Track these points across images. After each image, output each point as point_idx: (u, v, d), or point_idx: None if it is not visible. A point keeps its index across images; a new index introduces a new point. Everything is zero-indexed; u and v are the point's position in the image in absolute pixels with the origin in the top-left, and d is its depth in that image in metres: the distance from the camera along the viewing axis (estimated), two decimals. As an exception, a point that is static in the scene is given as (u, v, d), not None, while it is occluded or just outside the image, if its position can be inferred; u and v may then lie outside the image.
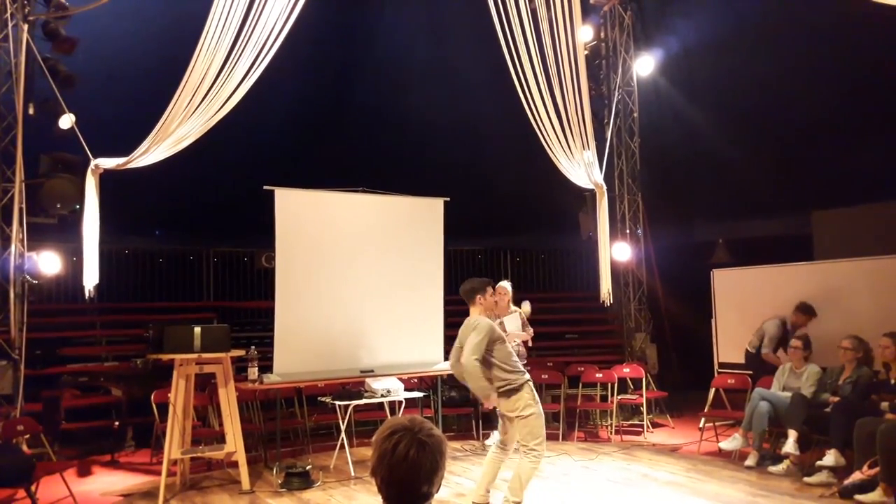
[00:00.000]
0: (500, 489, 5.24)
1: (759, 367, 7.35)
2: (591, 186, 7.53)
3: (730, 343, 8.21)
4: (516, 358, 5.16)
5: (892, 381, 5.80)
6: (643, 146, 9.87)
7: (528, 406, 4.95)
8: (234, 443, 6.01)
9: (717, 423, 7.64)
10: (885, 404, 5.68)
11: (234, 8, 5.84)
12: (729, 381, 7.40)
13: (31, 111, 6.48)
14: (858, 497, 5.19)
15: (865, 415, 5.57)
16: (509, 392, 4.99)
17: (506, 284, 7.65)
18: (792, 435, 6.04)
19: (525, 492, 4.93)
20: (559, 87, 6.85)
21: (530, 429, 4.94)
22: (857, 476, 5.30)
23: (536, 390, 8.30)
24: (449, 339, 7.68)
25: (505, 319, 7.38)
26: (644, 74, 9.81)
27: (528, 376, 5.09)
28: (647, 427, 8.22)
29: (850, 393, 6.01)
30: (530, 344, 7.82)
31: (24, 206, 6.38)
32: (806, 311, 7.11)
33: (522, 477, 4.90)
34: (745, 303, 8.20)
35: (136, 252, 10.34)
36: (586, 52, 8.30)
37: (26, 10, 6.44)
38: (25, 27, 6.40)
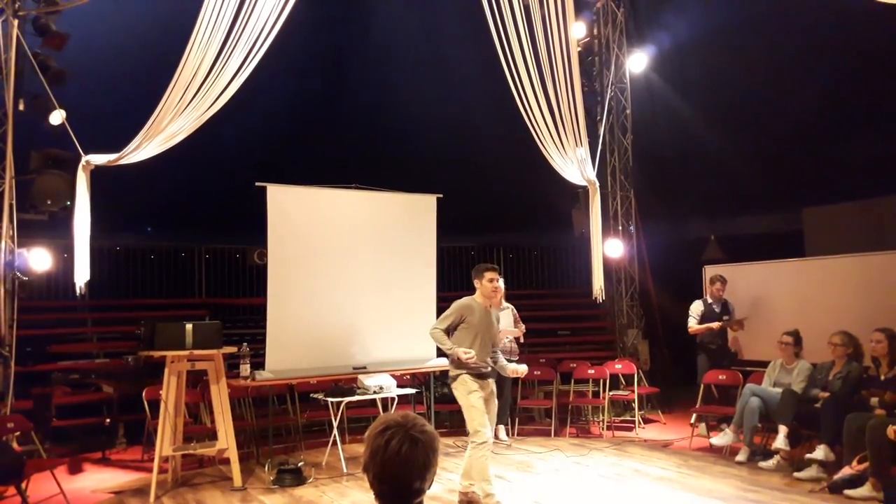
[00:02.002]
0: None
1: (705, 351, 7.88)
2: (583, 183, 7.54)
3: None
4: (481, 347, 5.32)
5: (882, 377, 5.84)
6: (636, 143, 9.88)
7: (461, 397, 5.29)
8: (226, 439, 6.00)
9: (708, 419, 7.68)
10: (874, 400, 5.71)
11: (226, 3, 5.81)
12: (720, 376, 7.43)
13: (21, 107, 6.43)
14: (848, 492, 5.22)
15: (855, 410, 5.61)
16: (452, 378, 5.37)
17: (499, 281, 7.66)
18: (782, 430, 6.08)
19: (486, 477, 5.13)
20: (552, 84, 6.85)
21: (466, 419, 5.27)
22: (846, 471, 5.34)
23: (529, 386, 8.39)
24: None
25: (498, 315, 7.40)
26: (637, 71, 9.82)
27: (466, 369, 5.28)
28: (639, 423, 8.25)
29: (840, 388, 6.05)
30: (522, 340, 7.84)
31: (14, 202, 6.34)
32: (717, 280, 7.89)
33: (472, 464, 5.15)
34: (737, 299, 8.24)
35: (128, 249, 10.30)
36: (579, 48, 8.31)
37: (16, 6, 6.39)
38: (16, 22, 6.35)
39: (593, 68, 9.86)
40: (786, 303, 7.69)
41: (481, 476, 5.13)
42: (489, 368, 5.44)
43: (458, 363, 5.29)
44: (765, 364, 7.04)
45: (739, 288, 8.29)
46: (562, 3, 6.62)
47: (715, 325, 7.82)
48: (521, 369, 5.65)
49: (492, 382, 5.48)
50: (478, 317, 5.38)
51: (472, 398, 5.24)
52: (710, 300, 7.97)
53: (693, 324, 7.93)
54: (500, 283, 7.59)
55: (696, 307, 7.97)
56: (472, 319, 5.36)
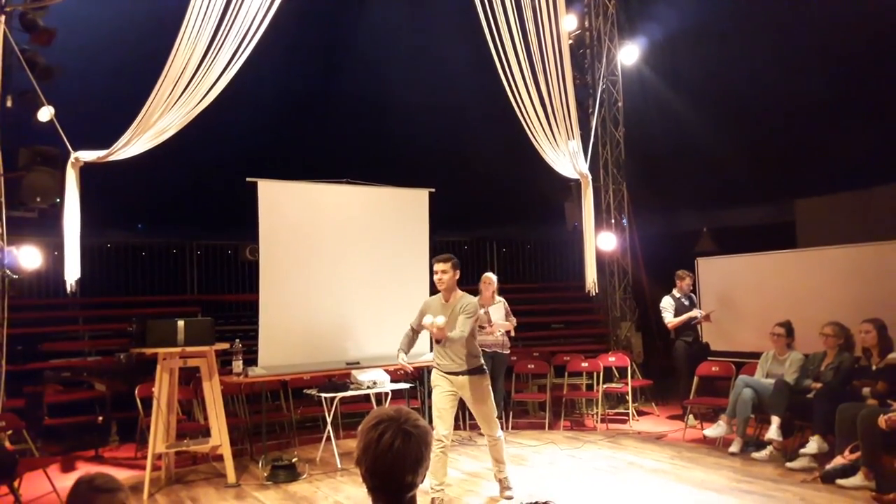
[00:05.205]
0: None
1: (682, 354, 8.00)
2: (576, 176, 7.53)
3: (714, 331, 8.28)
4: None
5: (873, 367, 5.86)
6: (628, 135, 9.89)
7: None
8: (220, 436, 5.99)
9: (701, 410, 7.72)
10: (866, 390, 5.75)
11: (215, -3, 5.77)
12: (713, 368, 7.46)
13: (8, 104, 6.37)
14: (840, 481, 5.25)
15: (847, 400, 5.64)
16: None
17: (491, 275, 7.67)
18: (775, 421, 6.11)
19: (435, 473, 5.09)
20: (544, 77, 6.83)
21: None
22: (838, 461, 5.36)
23: (523, 380, 8.41)
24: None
25: (490, 309, 7.41)
26: (628, 63, 9.83)
27: (438, 367, 5.32)
28: (633, 415, 8.28)
29: (832, 379, 6.08)
30: (513, 334, 7.84)
31: (3, 199, 6.29)
32: (682, 275, 8.13)
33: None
34: (729, 291, 8.27)
35: (119, 246, 10.25)
36: (570, 41, 8.30)
37: (3, 2, 6.33)
38: (2, 18, 6.28)
39: (585, 61, 9.85)
40: (778, 294, 7.72)
41: (432, 471, 5.02)
42: (456, 365, 5.18)
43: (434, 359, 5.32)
44: (757, 355, 7.07)
45: (732, 280, 8.33)
46: (553, -4, 6.60)
47: (694, 313, 8.00)
48: (438, 321, 5.11)
49: (462, 380, 5.17)
50: (434, 311, 5.22)
51: (434, 393, 5.30)
52: (678, 294, 8.14)
53: (669, 318, 8.04)
54: (493, 277, 7.64)
55: (669, 302, 8.12)
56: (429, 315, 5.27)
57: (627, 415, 8.27)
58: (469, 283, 6.10)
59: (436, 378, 5.32)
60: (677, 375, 8.11)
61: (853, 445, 5.29)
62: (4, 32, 6.29)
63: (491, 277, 7.60)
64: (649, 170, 10.30)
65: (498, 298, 7.62)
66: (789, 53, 9.15)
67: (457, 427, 8.12)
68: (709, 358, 7.93)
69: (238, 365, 6.54)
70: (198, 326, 6.01)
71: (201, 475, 6.43)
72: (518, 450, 6.98)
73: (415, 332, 5.53)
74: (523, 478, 5.96)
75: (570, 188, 8.82)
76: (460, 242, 11.94)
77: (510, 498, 5.39)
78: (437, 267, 5.25)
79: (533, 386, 8.87)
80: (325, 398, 6.63)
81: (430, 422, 5.22)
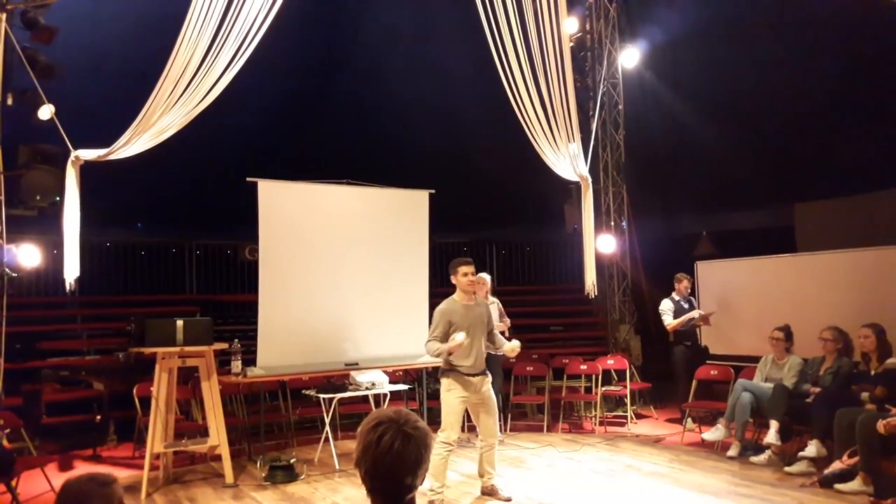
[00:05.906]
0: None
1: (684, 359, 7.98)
2: (576, 179, 7.53)
3: (713, 334, 8.28)
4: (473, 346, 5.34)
5: (872, 372, 5.86)
6: (628, 138, 9.89)
7: (441, 392, 5.37)
8: (218, 436, 5.99)
9: (700, 414, 7.72)
10: (864, 394, 5.75)
11: (216, -3, 5.77)
12: (712, 372, 7.45)
13: (9, 101, 6.37)
14: (838, 486, 5.25)
15: (846, 405, 5.63)
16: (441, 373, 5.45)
17: (484, 275, 7.66)
18: (773, 425, 6.10)
19: (437, 475, 5.15)
20: (544, 80, 6.83)
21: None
22: (836, 465, 5.36)
23: (522, 382, 8.40)
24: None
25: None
26: (629, 66, 9.83)
27: (458, 369, 5.30)
28: (631, 418, 8.27)
29: (830, 383, 6.08)
30: (507, 335, 7.83)
31: (2, 197, 6.28)
32: (680, 278, 8.13)
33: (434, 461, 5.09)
34: (728, 295, 8.27)
35: (118, 245, 10.25)
36: (571, 44, 8.29)
37: (4, 0, 6.33)
38: (3, 16, 6.27)
39: (586, 64, 9.86)
40: (777, 298, 7.72)
41: (434, 473, 5.08)
42: (479, 366, 5.37)
43: (447, 361, 5.28)
44: (756, 359, 7.07)
45: (732, 283, 8.32)
46: (554, -1, 6.61)
47: (693, 313, 7.98)
48: (516, 345, 5.61)
49: (479, 380, 5.35)
50: (459, 317, 5.29)
51: (449, 396, 5.29)
52: (677, 297, 8.15)
53: (668, 320, 8.04)
54: (486, 277, 7.63)
55: (668, 305, 8.13)
56: (456, 321, 5.28)
57: (626, 418, 8.26)
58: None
59: (455, 382, 5.28)
60: (676, 379, 8.11)
61: (851, 450, 5.29)
62: (5, 30, 6.29)
63: (484, 278, 7.58)
64: (649, 172, 10.31)
65: (492, 299, 7.62)
66: (790, 56, 9.16)
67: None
68: (707, 361, 7.91)
69: (237, 365, 6.54)
70: (197, 326, 6.01)
71: (199, 475, 6.42)
72: (516, 452, 6.98)
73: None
74: (521, 480, 5.96)
75: (569, 190, 8.83)
76: (460, 244, 11.93)
77: (509, 500, 5.39)
78: (469, 269, 5.40)
79: (531, 388, 8.88)
80: (324, 399, 6.62)
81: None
